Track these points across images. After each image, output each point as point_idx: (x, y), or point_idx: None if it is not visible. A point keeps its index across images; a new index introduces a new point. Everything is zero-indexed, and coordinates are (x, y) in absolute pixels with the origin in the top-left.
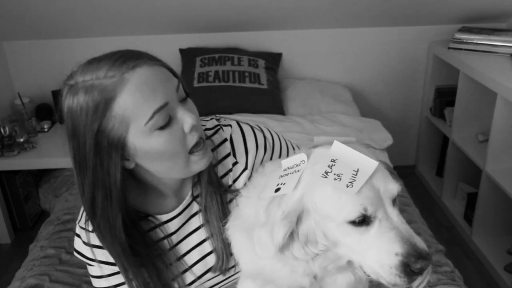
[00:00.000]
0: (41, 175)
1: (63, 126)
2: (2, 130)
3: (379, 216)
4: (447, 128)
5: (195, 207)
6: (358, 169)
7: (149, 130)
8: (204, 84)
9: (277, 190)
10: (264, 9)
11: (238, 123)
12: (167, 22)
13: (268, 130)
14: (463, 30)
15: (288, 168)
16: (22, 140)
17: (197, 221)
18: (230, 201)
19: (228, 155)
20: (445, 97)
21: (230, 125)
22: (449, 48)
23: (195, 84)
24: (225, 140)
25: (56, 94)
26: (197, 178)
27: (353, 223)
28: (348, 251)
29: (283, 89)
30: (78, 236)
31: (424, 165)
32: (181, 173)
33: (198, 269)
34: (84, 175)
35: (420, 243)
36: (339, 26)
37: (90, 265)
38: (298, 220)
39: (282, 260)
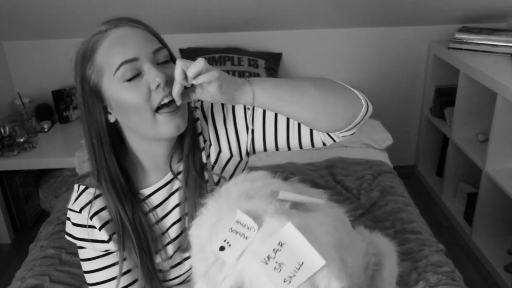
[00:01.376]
0: (41, 175)
1: (63, 126)
2: (2, 130)
3: None
4: (447, 128)
5: (176, 183)
6: (302, 263)
7: (118, 81)
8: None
9: (222, 248)
10: (264, 9)
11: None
12: (167, 22)
13: None
14: (463, 30)
15: (240, 224)
16: (22, 140)
17: (177, 197)
18: (207, 181)
19: (200, 134)
20: (445, 97)
21: (196, 107)
22: (449, 48)
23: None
24: (197, 119)
25: (56, 94)
26: (182, 156)
27: None
28: None
29: None
30: (69, 219)
31: (424, 165)
32: (149, 130)
33: (176, 245)
34: (84, 123)
35: None
36: (339, 26)
37: (80, 247)
38: None
39: None
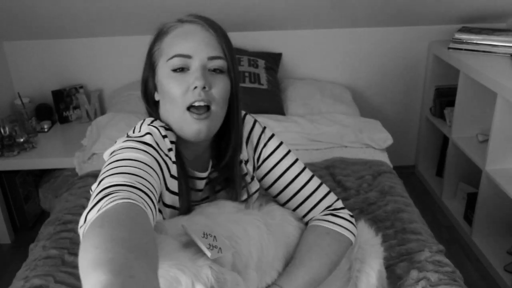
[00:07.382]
0: (41, 175)
1: (63, 126)
2: (2, 130)
3: None
4: (447, 128)
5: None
6: None
7: (167, 68)
8: None
9: None
10: (264, 9)
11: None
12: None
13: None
14: (463, 30)
15: None
16: (22, 140)
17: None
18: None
19: (246, 161)
20: (445, 97)
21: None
22: (449, 48)
23: None
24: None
25: (56, 94)
26: (215, 162)
27: None
28: None
29: (283, 89)
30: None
31: (424, 165)
32: (175, 122)
33: None
34: (143, 85)
35: None
36: (339, 26)
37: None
38: None
39: None
